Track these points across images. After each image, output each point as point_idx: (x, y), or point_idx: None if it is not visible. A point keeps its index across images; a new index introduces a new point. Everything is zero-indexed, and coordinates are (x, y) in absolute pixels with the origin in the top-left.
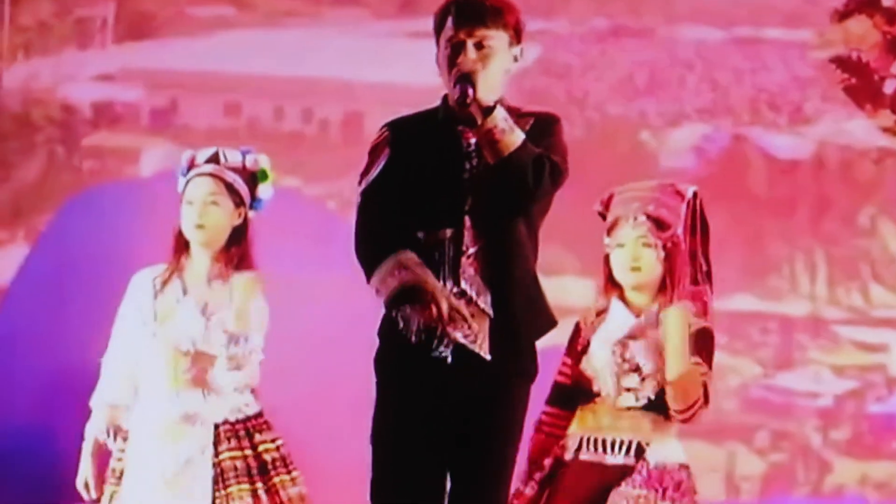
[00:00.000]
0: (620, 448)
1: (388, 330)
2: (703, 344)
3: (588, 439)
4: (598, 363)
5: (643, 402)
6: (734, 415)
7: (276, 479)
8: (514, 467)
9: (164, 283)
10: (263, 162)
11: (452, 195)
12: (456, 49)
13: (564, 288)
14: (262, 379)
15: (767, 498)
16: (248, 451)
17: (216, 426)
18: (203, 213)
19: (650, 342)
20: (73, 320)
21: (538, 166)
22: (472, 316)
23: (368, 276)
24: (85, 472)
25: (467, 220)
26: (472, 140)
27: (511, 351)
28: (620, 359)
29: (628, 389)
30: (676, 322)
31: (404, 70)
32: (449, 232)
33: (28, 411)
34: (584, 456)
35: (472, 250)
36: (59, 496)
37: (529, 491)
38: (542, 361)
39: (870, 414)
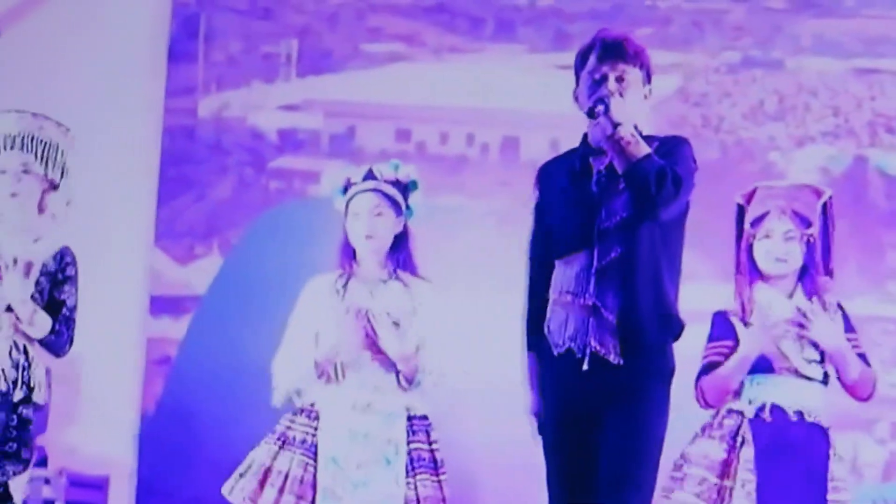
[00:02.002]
0: (801, 413)
1: (544, 343)
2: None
3: (768, 404)
4: (777, 342)
5: (830, 376)
6: (857, 408)
7: (442, 477)
8: (658, 458)
9: (344, 287)
10: (413, 173)
11: (584, 217)
12: (598, 80)
13: (699, 294)
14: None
15: (888, 482)
16: (427, 446)
17: (409, 418)
18: (371, 224)
19: (835, 323)
20: (258, 323)
21: (661, 174)
22: (603, 325)
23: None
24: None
25: (597, 239)
26: (602, 168)
27: (639, 354)
28: (799, 337)
29: (811, 361)
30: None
31: (555, 98)
32: (582, 251)
33: (212, 408)
34: (765, 417)
35: (601, 264)
36: None
37: (708, 443)
38: None
39: None
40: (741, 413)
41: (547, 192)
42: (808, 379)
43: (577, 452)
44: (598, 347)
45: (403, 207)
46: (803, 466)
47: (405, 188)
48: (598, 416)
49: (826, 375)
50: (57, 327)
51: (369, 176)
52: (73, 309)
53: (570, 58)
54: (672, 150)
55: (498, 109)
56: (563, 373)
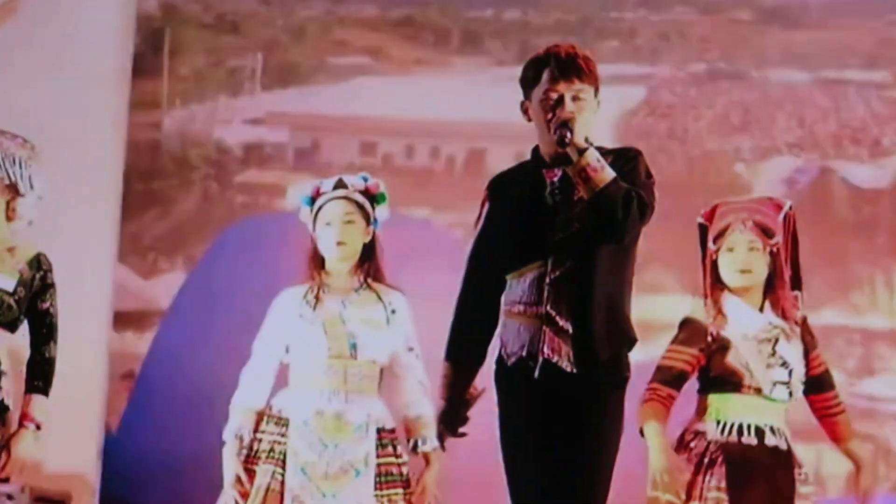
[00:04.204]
0: (766, 432)
1: (499, 354)
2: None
3: (734, 424)
4: (747, 358)
5: (795, 396)
6: None
7: (412, 492)
8: (611, 465)
9: (316, 297)
10: (382, 186)
11: (538, 230)
12: (556, 100)
13: (665, 305)
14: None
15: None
16: (395, 460)
17: (378, 431)
18: (342, 231)
19: (793, 342)
20: (223, 338)
21: (627, 200)
22: (557, 334)
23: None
24: (234, 469)
25: (551, 250)
26: (555, 179)
27: (592, 363)
28: (768, 355)
29: (777, 383)
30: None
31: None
32: (536, 263)
33: (176, 423)
34: (731, 438)
35: (553, 276)
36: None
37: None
38: None
39: None
40: (705, 434)
41: (499, 205)
42: (773, 400)
43: (535, 459)
44: (550, 355)
45: (372, 217)
46: (770, 487)
47: (374, 199)
48: (553, 424)
49: (791, 395)
50: (47, 350)
51: (339, 185)
52: (55, 315)
53: None
54: (625, 165)
55: (464, 122)
56: (518, 382)
